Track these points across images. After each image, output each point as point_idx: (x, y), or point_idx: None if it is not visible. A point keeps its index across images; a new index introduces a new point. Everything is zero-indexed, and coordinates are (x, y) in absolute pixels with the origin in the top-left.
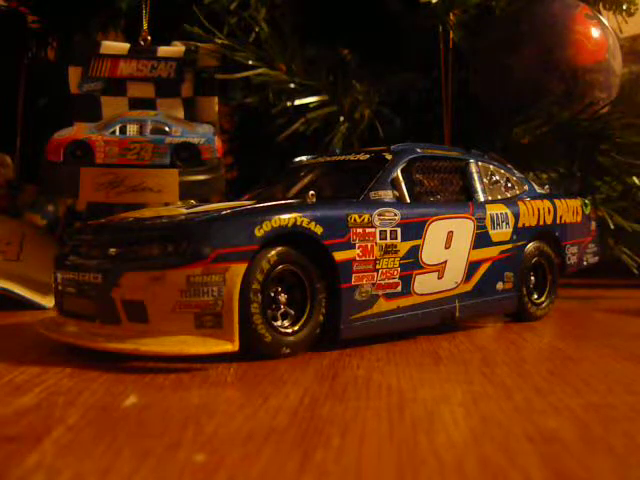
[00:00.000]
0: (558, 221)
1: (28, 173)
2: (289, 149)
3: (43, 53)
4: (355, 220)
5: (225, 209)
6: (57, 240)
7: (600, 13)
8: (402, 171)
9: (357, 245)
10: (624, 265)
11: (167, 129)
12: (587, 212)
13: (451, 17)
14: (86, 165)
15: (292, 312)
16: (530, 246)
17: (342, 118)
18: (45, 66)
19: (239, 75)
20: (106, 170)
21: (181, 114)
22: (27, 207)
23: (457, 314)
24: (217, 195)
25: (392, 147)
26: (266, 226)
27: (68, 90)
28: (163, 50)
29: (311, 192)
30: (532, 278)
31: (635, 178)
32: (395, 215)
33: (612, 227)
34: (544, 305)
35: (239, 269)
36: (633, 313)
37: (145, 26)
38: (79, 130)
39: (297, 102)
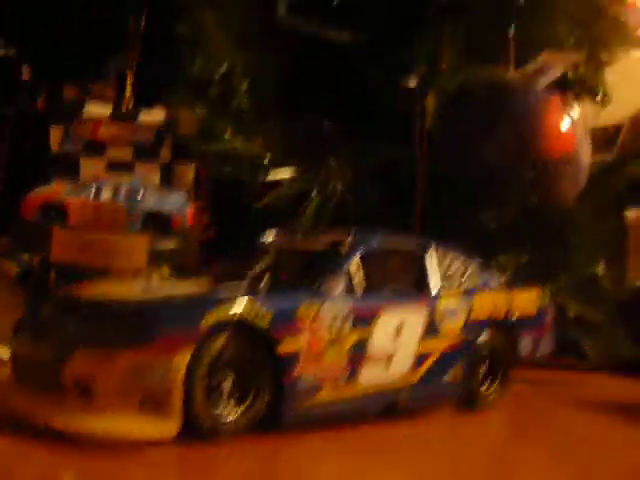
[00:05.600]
0: (513, 313)
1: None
2: (264, 215)
3: (32, 104)
4: (304, 311)
5: (179, 294)
6: (27, 292)
7: (574, 102)
8: (356, 262)
9: (304, 336)
10: (581, 348)
11: (140, 196)
12: (544, 303)
13: (428, 100)
14: (59, 226)
15: (236, 395)
16: (482, 338)
17: (314, 192)
18: (31, 118)
19: (216, 148)
20: (78, 232)
21: (157, 180)
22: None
23: (402, 404)
24: (188, 261)
25: (350, 236)
26: (212, 318)
27: (50, 148)
28: (144, 114)
29: (265, 280)
30: (483, 369)
31: (598, 267)
32: (345, 306)
33: (572, 316)
34: (493, 396)
35: (185, 354)
36: (583, 405)
37: (129, 91)
38: (57, 189)
39: (270, 178)
